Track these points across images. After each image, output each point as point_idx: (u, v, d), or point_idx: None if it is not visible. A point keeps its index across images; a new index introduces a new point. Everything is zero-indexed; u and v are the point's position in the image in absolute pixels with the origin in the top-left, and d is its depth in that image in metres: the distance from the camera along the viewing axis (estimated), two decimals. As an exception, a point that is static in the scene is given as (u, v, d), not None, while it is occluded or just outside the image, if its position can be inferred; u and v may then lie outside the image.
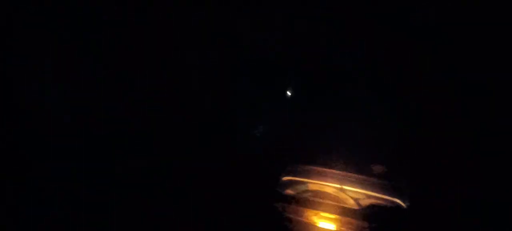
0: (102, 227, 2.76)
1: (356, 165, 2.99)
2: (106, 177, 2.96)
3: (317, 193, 2.87)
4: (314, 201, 2.77)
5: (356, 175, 2.93)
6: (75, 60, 3.22)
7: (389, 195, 2.83)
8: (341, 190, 2.87)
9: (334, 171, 2.96)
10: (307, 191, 2.91)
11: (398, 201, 2.81)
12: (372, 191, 2.85)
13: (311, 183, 2.93)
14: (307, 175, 2.98)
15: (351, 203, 2.81)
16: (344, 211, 2.68)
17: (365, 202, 2.82)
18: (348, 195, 2.84)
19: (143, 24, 3.33)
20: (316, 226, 2.67)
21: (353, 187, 2.87)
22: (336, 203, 2.75)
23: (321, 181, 2.92)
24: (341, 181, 2.90)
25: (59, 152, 3.01)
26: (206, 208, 2.85)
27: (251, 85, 3.59)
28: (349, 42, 3.42)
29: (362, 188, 2.87)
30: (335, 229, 2.63)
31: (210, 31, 3.43)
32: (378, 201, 2.82)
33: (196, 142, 3.32)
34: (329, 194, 2.85)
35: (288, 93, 3.63)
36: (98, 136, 3.14)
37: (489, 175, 2.91)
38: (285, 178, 2.97)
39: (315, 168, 3.00)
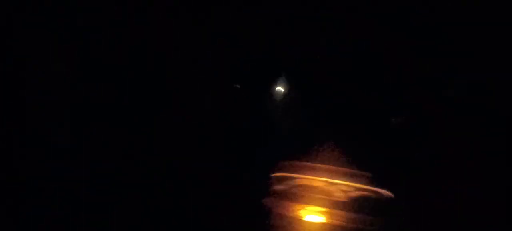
0: (102, 227, 2.76)
1: (345, 158, 3.03)
2: (106, 177, 2.96)
3: (306, 187, 2.90)
4: (303, 195, 2.80)
5: (344, 169, 2.97)
6: (75, 60, 3.22)
7: (377, 186, 2.87)
8: (330, 183, 2.90)
9: (323, 165, 2.99)
10: (296, 186, 2.93)
11: (386, 192, 2.86)
12: (360, 183, 2.89)
13: (301, 178, 2.95)
14: (297, 170, 3.01)
15: (340, 196, 2.84)
16: (333, 204, 2.72)
17: (354, 194, 2.85)
18: (337, 188, 2.87)
19: (143, 24, 3.33)
20: (305, 220, 2.70)
21: (342, 180, 2.90)
22: (325, 197, 2.78)
23: (310, 175, 2.95)
24: (330, 174, 2.93)
25: (59, 152, 3.00)
26: (202, 207, 2.87)
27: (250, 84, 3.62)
28: (349, 42, 3.42)
29: (350, 181, 2.91)
30: (324, 221, 2.66)
31: (210, 31, 3.43)
32: (366, 193, 2.86)
33: (196, 142, 3.32)
34: (318, 187, 2.88)
35: (281, 90, 3.66)
36: (98, 136, 3.14)
37: (482, 172, 2.94)
38: (276, 174, 3.00)
39: (305, 163, 3.03)
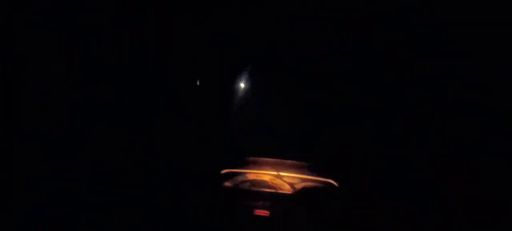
0: (102, 227, 2.76)
1: (292, 151, 3.15)
2: (106, 177, 2.96)
3: (254, 182, 2.97)
4: (250, 190, 2.87)
5: (291, 161, 3.08)
6: (75, 60, 3.22)
7: (322, 176, 2.97)
8: (278, 176, 2.98)
9: (271, 159, 3.09)
10: (245, 181, 3.00)
11: (330, 181, 2.96)
12: (306, 174, 2.99)
13: (249, 172, 3.02)
14: (246, 165, 3.08)
15: (286, 188, 2.92)
16: (279, 197, 2.79)
17: (300, 185, 2.94)
18: (284, 181, 2.95)
19: (143, 24, 3.33)
20: (252, 214, 2.75)
21: (288, 172, 2.99)
22: (272, 190, 2.86)
23: (259, 170, 3.03)
24: (278, 167, 3.02)
25: (59, 152, 3.00)
26: (202, 207, 2.91)
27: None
28: (349, 42, 3.42)
29: (297, 172, 3.00)
30: (270, 215, 2.71)
31: (210, 31, 3.43)
32: (312, 183, 2.95)
33: (196, 142, 3.32)
34: (266, 181, 2.96)
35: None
36: (98, 136, 3.14)
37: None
38: (225, 171, 3.04)
39: (254, 158, 3.12)
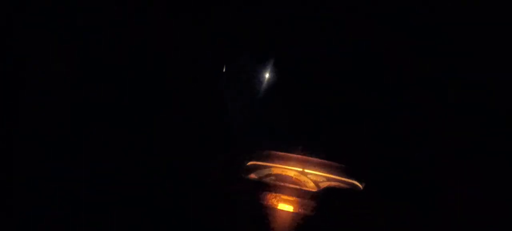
0: (102, 227, 2.76)
1: (319, 149, 3.21)
2: (106, 177, 2.96)
3: (279, 177, 3.05)
4: (275, 184, 2.88)
5: (317, 159, 3.14)
6: (75, 60, 3.22)
7: (347, 177, 3.05)
8: (303, 173, 3.06)
9: (297, 155, 3.15)
10: (270, 175, 3.07)
11: (355, 182, 3.03)
12: (332, 173, 3.07)
13: (274, 167, 3.10)
14: (271, 159, 3.16)
15: (311, 186, 2.99)
16: (303, 194, 2.79)
17: (324, 184, 3.01)
18: (308, 178, 3.03)
19: (143, 24, 3.33)
20: (276, 208, 2.75)
21: (314, 170, 3.08)
22: (296, 186, 2.88)
23: (284, 164, 3.11)
24: (303, 164, 3.10)
25: (59, 152, 3.00)
26: (202, 207, 2.89)
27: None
28: (349, 42, 3.42)
29: (322, 171, 3.08)
30: (293, 211, 2.71)
31: (210, 31, 3.43)
32: (336, 183, 3.03)
33: (196, 142, 3.32)
34: (291, 177, 3.04)
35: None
36: (98, 136, 3.14)
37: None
38: (250, 163, 3.12)
39: (279, 153, 3.18)
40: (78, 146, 3.06)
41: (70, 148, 3.04)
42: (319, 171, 3.08)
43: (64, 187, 2.84)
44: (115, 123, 3.22)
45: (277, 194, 2.79)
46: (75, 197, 2.83)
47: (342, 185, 3.03)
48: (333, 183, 3.03)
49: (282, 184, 2.88)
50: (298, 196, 2.77)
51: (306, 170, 3.07)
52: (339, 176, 3.06)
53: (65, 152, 3.01)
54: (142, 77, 3.37)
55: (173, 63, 3.43)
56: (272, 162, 3.14)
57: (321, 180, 3.05)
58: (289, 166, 3.11)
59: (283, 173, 3.08)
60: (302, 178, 3.04)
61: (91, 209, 2.78)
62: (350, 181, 3.04)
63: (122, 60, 3.30)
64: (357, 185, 3.02)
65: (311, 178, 3.04)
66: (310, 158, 3.13)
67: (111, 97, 3.25)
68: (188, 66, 3.48)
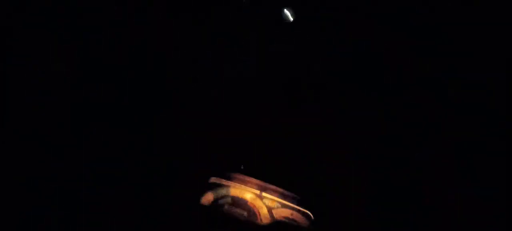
0: (102, 227, 2.76)
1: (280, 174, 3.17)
2: (106, 177, 2.96)
3: (234, 200, 3.03)
4: (228, 210, 2.95)
5: (275, 187, 3.09)
6: (75, 60, 3.22)
7: (303, 206, 3.01)
8: (260, 196, 3.02)
9: (256, 180, 3.10)
10: (226, 196, 3.04)
11: (308, 212, 3.00)
12: (287, 200, 3.03)
13: (233, 186, 3.06)
14: (232, 178, 3.11)
15: (263, 214, 2.99)
16: (253, 225, 2.89)
17: (277, 211, 3.00)
18: (263, 203, 3.00)
19: (143, 24, 3.33)
20: None
21: (271, 195, 3.03)
22: (248, 214, 2.94)
23: (243, 184, 3.06)
24: (262, 187, 3.05)
25: (59, 152, 3.00)
26: (201, 207, 2.91)
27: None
28: (349, 42, 3.42)
29: (279, 197, 3.04)
30: None
31: (210, 31, 3.43)
32: (289, 211, 3.00)
33: (196, 142, 3.31)
34: (246, 201, 3.00)
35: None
36: (98, 136, 3.14)
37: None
38: (213, 180, 3.08)
39: (240, 175, 3.13)
40: (78, 146, 3.06)
41: (70, 148, 3.04)
42: (276, 196, 3.04)
43: (64, 187, 2.84)
44: (115, 123, 3.21)
45: (227, 222, 2.89)
46: (75, 197, 2.83)
47: (294, 215, 3.00)
48: (286, 211, 2.99)
49: (234, 210, 2.93)
50: (247, 227, 2.87)
51: (263, 193, 3.03)
52: (294, 203, 3.02)
53: (65, 152, 3.01)
54: (142, 77, 3.37)
55: (173, 63, 3.43)
56: (233, 180, 3.09)
57: (275, 206, 3.01)
58: (248, 186, 3.06)
59: (240, 196, 3.04)
60: (258, 202, 3.01)
61: (91, 209, 2.78)
62: (303, 210, 3.01)
63: (122, 60, 3.30)
64: (309, 215, 2.99)
65: (266, 203, 3.01)
66: (268, 185, 3.09)
67: (111, 97, 3.24)
68: (188, 66, 3.48)
